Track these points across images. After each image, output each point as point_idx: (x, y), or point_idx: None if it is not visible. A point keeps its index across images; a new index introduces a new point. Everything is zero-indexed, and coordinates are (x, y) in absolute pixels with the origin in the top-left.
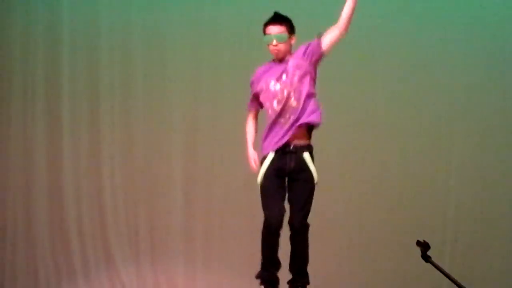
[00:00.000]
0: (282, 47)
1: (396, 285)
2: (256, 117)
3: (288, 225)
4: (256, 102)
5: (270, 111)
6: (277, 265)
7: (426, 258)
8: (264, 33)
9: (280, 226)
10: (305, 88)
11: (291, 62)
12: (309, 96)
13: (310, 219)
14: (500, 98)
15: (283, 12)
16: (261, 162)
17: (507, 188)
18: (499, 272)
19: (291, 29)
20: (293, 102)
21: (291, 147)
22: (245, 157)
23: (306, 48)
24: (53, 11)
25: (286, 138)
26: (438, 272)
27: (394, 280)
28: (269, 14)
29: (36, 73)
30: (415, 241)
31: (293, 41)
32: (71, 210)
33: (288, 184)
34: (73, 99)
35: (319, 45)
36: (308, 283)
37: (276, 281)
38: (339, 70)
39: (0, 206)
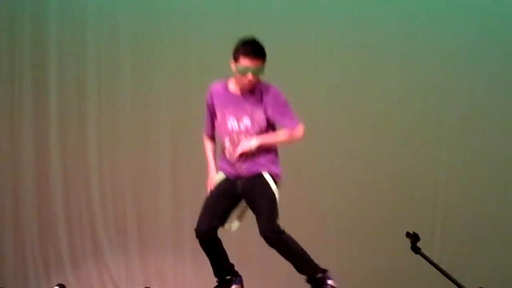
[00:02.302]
0: (255, 80)
1: (386, 276)
2: (213, 138)
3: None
4: (213, 124)
5: (222, 143)
6: (228, 272)
7: (415, 249)
8: (237, 60)
9: (205, 238)
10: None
11: (260, 106)
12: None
13: (301, 215)
14: (488, 93)
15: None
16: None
17: (496, 179)
18: (487, 262)
19: (265, 60)
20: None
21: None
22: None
23: (277, 111)
24: (39, 5)
25: (237, 174)
26: (427, 263)
27: (384, 271)
28: (257, 12)
29: (24, 65)
30: (405, 233)
31: None
32: (58, 202)
33: (245, 201)
34: (60, 92)
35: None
36: (321, 271)
37: None
38: (330, 70)
39: None
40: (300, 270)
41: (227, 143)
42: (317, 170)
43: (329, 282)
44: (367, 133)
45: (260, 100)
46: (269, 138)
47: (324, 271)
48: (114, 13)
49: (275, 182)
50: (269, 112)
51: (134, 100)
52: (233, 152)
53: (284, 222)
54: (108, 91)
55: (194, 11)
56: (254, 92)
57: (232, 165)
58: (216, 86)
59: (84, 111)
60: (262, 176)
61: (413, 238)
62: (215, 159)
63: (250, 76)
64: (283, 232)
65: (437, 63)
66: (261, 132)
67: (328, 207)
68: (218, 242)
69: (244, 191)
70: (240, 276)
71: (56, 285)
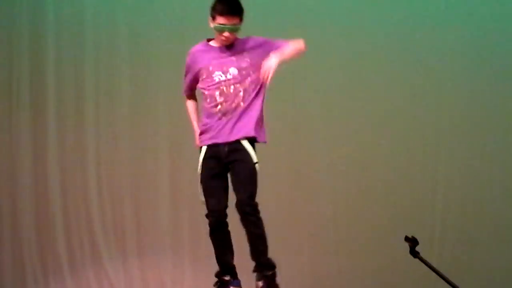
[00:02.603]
0: (232, 37)
1: (385, 280)
2: (194, 98)
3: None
4: (193, 87)
5: (208, 100)
6: (231, 270)
7: (414, 253)
8: (214, 18)
9: (219, 221)
10: (258, 96)
11: (245, 54)
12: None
13: (301, 217)
14: (487, 95)
15: None
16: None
17: (495, 183)
18: (487, 265)
19: (242, 17)
20: (240, 103)
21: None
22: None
23: (264, 45)
24: (37, 7)
25: (221, 140)
26: (426, 267)
27: (383, 274)
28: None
29: (22, 68)
30: (403, 237)
31: None
32: (56, 206)
33: (229, 170)
34: (58, 95)
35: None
36: (275, 267)
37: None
38: (328, 72)
39: None
40: (256, 255)
41: (218, 97)
42: (315, 173)
43: (277, 281)
44: (365, 136)
45: (243, 49)
46: (284, 52)
47: (275, 267)
48: (112, 15)
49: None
50: (258, 58)
51: (132, 103)
52: (224, 102)
53: (283, 224)
54: (106, 94)
55: (192, 13)
56: (234, 44)
57: (216, 128)
58: (196, 47)
59: (82, 114)
60: (243, 145)
61: (412, 242)
62: (198, 118)
63: (226, 33)
64: (257, 207)
65: (435, 65)
66: (250, 78)
67: (327, 210)
68: (228, 229)
69: (227, 160)
70: (239, 280)
71: None
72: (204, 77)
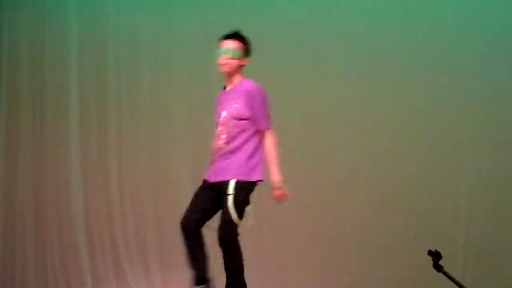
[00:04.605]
0: (227, 62)
1: None
2: None
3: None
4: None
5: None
6: (202, 280)
7: (438, 267)
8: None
9: (187, 229)
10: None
11: (237, 99)
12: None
13: (322, 223)
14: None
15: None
16: None
17: None
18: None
19: (244, 50)
20: (225, 144)
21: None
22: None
23: (251, 99)
24: (61, 26)
25: (214, 179)
26: (450, 282)
27: (404, 286)
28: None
29: (45, 83)
30: (427, 250)
31: (244, 63)
32: (79, 219)
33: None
34: (81, 107)
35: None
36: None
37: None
38: (348, 79)
39: (10, 215)
40: (231, 279)
41: (217, 134)
42: (337, 183)
43: None
44: (387, 144)
45: (240, 96)
46: (273, 166)
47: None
48: (134, 29)
49: (249, 184)
50: (244, 109)
51: (153, 115)
52: (215, 143)
53: (304, 234)
54: (128, 105)
55: (213, 19)
56: (236, 88)
57: (212, 164)
58: (219, 92)
59: (104, 127)
60: (228, 186)
61: (435, 256)
62: None
63: (222, 56)
64: (237, 241)
65: (458, 71)
66: (237, 122)
67: (348, 222)
68: (200, 239)
69: (218, 193)
70: None
71: None
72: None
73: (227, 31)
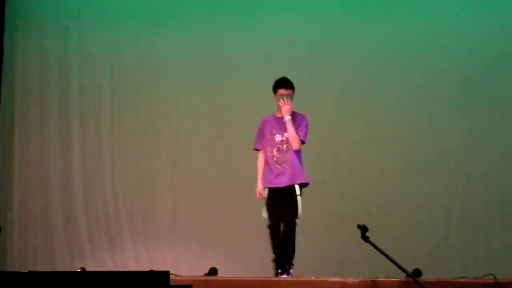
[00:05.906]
0: (287, 102)
1: None
2: (263, 153)
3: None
4: (262, 141)
5: (269, 154)
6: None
7: (365, 238)
8: (276, 92)
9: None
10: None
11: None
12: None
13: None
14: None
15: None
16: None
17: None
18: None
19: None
20: (289, 153)
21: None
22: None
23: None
24: (63, 48)
25: (280, 184)
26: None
27: None
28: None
29: (51, 99)
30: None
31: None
32: (80, 205)
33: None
34: (81, 117)
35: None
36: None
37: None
38: (358, 88)
39: (21, 206)
40: (286, 259)
41: (275, 152)
42: (338, 183)
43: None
44: (398, 148)
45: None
46: (291, 127)
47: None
48: (121, 56)
49: (303, 186)
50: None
51: (137, 123)
52: (279, 157)
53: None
54: (118, 120)
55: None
56: (292, 117)
57: (275, 174)
58: (267, 117)
59: (100, 137)
60: (293, 189)
61: (363, 229)
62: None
63: (285, 99)
64: (295, 228)
65: (474, 77)
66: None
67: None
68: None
69: (283, 196)
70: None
71: (79, 268)
72: (268, 138)
73: (279, 78)
